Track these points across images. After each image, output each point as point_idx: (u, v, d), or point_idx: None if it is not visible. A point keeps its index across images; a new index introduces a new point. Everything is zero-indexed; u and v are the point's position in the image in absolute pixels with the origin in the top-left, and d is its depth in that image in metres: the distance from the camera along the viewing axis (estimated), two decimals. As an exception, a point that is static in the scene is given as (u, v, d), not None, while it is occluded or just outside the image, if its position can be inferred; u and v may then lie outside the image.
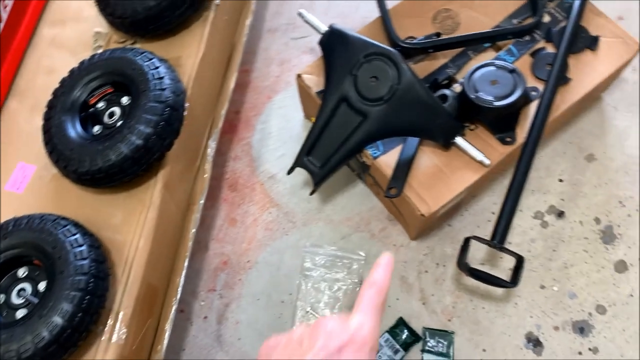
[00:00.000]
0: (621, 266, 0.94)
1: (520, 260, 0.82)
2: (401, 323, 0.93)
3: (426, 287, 0.95)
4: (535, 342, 0.91)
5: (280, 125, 1.09)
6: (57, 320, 0.75)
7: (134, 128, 0.85)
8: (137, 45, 1.02)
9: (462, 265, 0.81)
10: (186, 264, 0.91)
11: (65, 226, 0.83)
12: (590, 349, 0.90)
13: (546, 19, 0.95)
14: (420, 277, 0.96)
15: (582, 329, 0.91)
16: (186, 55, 0.98)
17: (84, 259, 0.80)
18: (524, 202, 0.99)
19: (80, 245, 0.81)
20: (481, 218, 0.99)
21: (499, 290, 0.95)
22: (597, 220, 0.97)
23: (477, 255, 0.97)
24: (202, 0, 0.99)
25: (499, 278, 0.84)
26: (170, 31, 1.00)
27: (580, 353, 0.90)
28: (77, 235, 0.82)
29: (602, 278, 0.94)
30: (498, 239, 0.82)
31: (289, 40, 1.16)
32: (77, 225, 0.84)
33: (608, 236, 0.96)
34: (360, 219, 1.01)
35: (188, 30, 1.00)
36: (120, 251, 0.87)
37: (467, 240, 0.83)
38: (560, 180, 1.00)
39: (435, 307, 0.94)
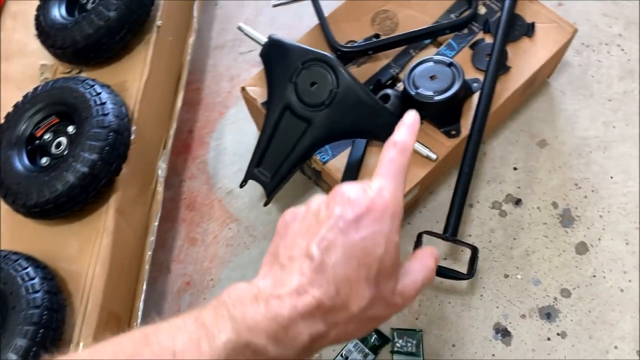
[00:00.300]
0: (582, 248, 0.95)
1: (474, 251, 0.82)
2: (369, 326, 0.92)
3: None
4: (503, 332, 0.91)
5: (235, 140, 1.09)
6: (12, 357, 0.74)
7: (79, 155, 0.85)
8: (83, 74, 1.02)
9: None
10: (144, 287, 0.90)
11: (16, 261, 0.82)
12: (558, 334, 0.90)
13: (482, 10, 0.96)
14: (384, 278, 0.95)
15: (548, 314, 0.91)
16: (131, 79, 0.98)
17: (37, 291, 0.79)
18: (480, 193, 0.99)
19: (32, 279, 0.80)
20: (440, 213, 0.99)
21: (463, 284, 0.94)
22: (555, 205, 0.98)
23: (439, 250, 0.96)
24: (142, 23, 0.99)
25: (454, 270, 0.84)
26: (113, 57, 1.00)
27: (549, 339, 0.90)
28: (29, 269, 0.81)
29: (564, 262, 0.94)
30: (450, 232, 0.82)
31: (237, 55, 1.16)
32: (28, 258, 0.84)
33: (567, 219, 0.97)
34: (321, 226, 1.00)
35: (131, 54, 1.01)
36: (77, 281, 0.86)
37: (419, 236, 0.83)
38: (515, 169, 1.01)
39: (401, 306, 0.94)
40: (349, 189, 0.45)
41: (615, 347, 0.88)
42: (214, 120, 1.11)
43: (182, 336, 0.37)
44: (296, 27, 1.09)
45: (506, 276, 0.94)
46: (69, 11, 1.02)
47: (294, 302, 0.40)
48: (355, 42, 0.96)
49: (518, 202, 0.99)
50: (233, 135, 1.10)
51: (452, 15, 0.97)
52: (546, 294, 0.92)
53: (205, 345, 0.36)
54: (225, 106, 1.12)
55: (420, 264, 0.48)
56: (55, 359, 0.34)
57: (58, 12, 1.00)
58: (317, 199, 0.47)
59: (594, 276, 0.93)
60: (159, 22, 1.01)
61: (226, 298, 0.42)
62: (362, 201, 0.44)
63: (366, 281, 0.42)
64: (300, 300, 0.40)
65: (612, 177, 0.99)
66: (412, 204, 0.99)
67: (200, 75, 1.15)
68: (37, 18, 1.01)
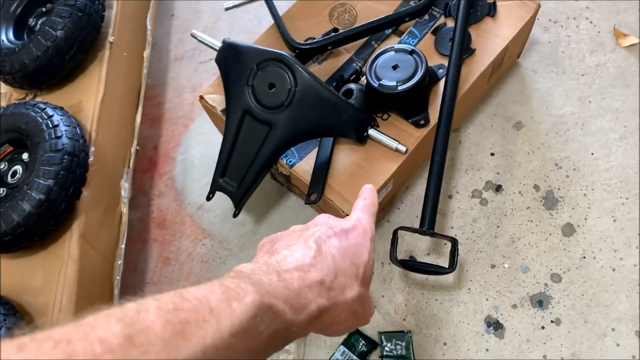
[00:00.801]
0: (568, 229, 0.91)
1: (454, 243, 0.78)
2: (355, 332, 0.89)
3: (375, 289, 0.91)
4: (495, 325, 0.87)
5: (201, 152, 1.05)
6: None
7: (33, 182, 0.81)
8: (38, 98, 0.98)
9: (393, 259, 0.77)
10: (115, 314, 0.85)
11: (-26, 299, 0.78)
12: (552, 321, 0.86)
13: (442, -6, 0.93)
14: (367, 280, 0.91)
15: (540, 301, 0.87)
16: (86, 99, 0.95)
17: (-3, 330, 0.75)
18: (459, 183, 0.96)
19: (-7, 316, 0.76)
20: (418, 208, 0.93)
21: (449, 279, 0.90)
22: (537, 188, 0.94)
23: (422, 245, 0.93)
24: (93, 41, 0.96)
25: (434, 265, 0.80)
26: (67, 77, 0.97)
27: (543, 327, 0.86)
28: (-11, 306, 0.77)
29: (552, 245, 0.90)
30: (427, 225, 0.78)
31: (198, 65, 1.13)
32: (-11, 296, 0.80)
33: (550, 201, 0.93)
34: (298, 233, 0.96)
35: (85, 73, 0.97)
36: (44, 314, 0.82)
37: (395, 233, 0.79)
38: (492, 154, 0.97)
39: (387, 308, 0.90)
40: (330, 217, 0.54)
41: (613, 330, 0.84)
42: (178, 134, 1.07)
43: (213, 297, 0.38)
44: (256, 30, 1.06)
45: (493, 266, 0.90)
46: (17, 35, 0.98)
47: (302, 275, 0.45)
48: (314, 38, 0.93)
49: (498, 188, 0.95)
50: (199, 147, 1.06)
51: (412, 2, 0.93)
52: (536, 280, 0.89)
53: (236, 304, 0.38)
54: (189, 118, 1.08)
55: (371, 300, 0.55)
56: (100, 308, 0.35)
57: (5, 37, 0.97)
58: (297, 226, 0.54)
59: (584, 257, 0.89)
60: (111, 38, 0.98)
61: (243, 269, 0.45)
62: (346, 223, 0.53)
63: (356, 278, 0.49)
64: (307, 275, 0.45)
65: (592, 154, 0.95)
66: (389, 200, 0.95)
67: (161, 89, 1.12)
68: (-16, 45, 0.97)
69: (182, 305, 0.37)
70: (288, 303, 0.42)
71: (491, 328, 0.87)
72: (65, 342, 0.31)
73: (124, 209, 0.91)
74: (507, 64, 0.98)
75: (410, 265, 0.80)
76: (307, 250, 0.47)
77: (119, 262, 0.89)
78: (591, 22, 1.04)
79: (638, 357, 0.82)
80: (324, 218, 0.53)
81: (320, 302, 0.45)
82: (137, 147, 0.98)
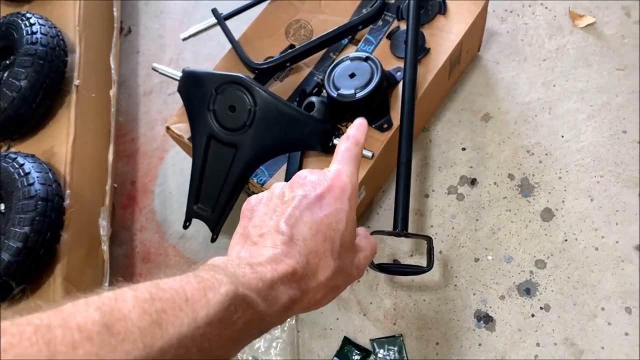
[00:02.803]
0: (547, 214, 0.91)
1: (429, 241, 0.78)
2: (347, 343, 0.88)
3: (362, 297, 0.91)
4: (485, 319, 0.87)
5: (178, 181, 1.06)
6: None
7: (10, 231, 0.82)
8: (12, 149, 1.00)
9: (370, 263, 0.77)
10: (105, 352, 0.86)
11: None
12: (541, 308, 0.86)
13: (392, -1, 0.94)
14: (354, 288, 0.92)
15: (527, 290, 0.87)
16: (58, 144, 0.96)
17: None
18: (434, 181, 0.96)
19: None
20: (397, 211, 0.95)
21: (435, 277, 0.90)
22: (511, 177, 0.94)
23: (404, 247, 0.93)
24: (58, 86, 0.98)
25: (413, 266, 0.80)
26: (38, 124, 0.98)
27: (533, 315, 0.85)
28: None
29: (533, 232, 0.90)
30: (400, 227, 0.78)
31: (166, 97, 1.14)
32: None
33: (526, 188, 0.93)
34: (281, 250, 0.97)
35: (54, 118, 0.98)
36: (35, 361, 0.82)
37: (369, 238, 0.79)
38: (464, 149, 0.98)
39: (377, 314, 0.90)
40: (310, 173, 0.53)
41: (602, 309, 0.84)
42: (154, 166, 1.08)
43: (189, 287, 0.39)
44: (219, 55, 1.06)
45: (476, 260, 0.90)
46: (-15, 89, 1.00)
47: (274, 267, 0.45)
48: (272, 57, 0.94)
49: (473, 182, 0.95)
50: (176, 177, 1.07)
51: (364, 10, 0.95)
52: (521, 269, 0.88)
53: (211, 294, 0.39)
54: (164, 150, 1.09)
55: (366, 241, 0.56)
56: (77, 296, 0.36)
57: (-26, 93, 0.99)
58: (279, 184, 0.53)
59: (566, 240, 0.89)
60: (77, 82, 1.00)
61: (217, 262, 0.45)
62: (323, 182, 0.51)
63: (331, 253, 0.49)
64: (279, 267, 0.45)
65: (562, 136, 0.96)
66: (367, 206, 0.96)
67: (134, 125, 1.13)
68: (-46, 103, 0.99)
69: (159, 295, 0.37)
70: (261, 295, 0.43)
71: (481, 322, 0.86)
72: (45, 328, 0.32)
73: (104, 247, 0.92)
74: (467, 58, 0.99)
75: (388, 268, 0.81)
76: (278, 237, 0.47)
77: (104, 301, 0.89)
78: (546, 8, 1.06)
79: (631, 334, 0.81)
80: (303, 175, 0.53)
81: (292, 293, 0.45)
82: (115, 185, 0.99)
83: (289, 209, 0.49)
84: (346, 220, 0.50)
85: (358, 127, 0.59)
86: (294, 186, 0.51)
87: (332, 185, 0.51)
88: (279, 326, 0.90)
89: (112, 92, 1.03)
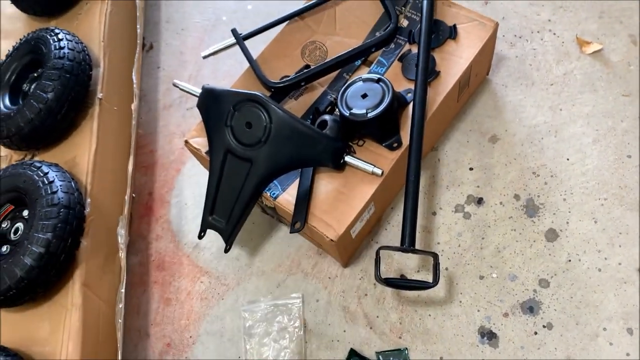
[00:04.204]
0: (552, 235, 0.93)
1: (435, 258, 0.81)
2: (353, 355, 0.91)
3: (369, 310, 0.93)
4: (489, 335, 0.89)
5: (194, 193, 1.10)
6: None
7: (33, 237, 0.85)
8: (37, 158, 1.04)
9: (378, 277, 0.80)
10: (119, 356, 0.89)
11: (-16, 355, 0.82)
12: (544, 326, 0.87)
13: (405, 23, 0.98)
14: (361, 302, 0.94)
15: (531, 308, 0.89)
16: (80, 154, 1.00)
17: (7, 381, 0.79)
18: (441, 199, 0.99)
19: (2, 369, 0.80)
20: (404, 227, 0.98)
21: (440, 293, 0.93)
22: (517, 197, 0.97)
23: (411, 264, 0.95)
24: (83, 99, 1.02)
25: (419, 281, 0.83)
26: (62, 135, 1.02)
27: (536, 333, 0.87)
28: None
29: (537, 252, 0.92)
30: (407, 242, 0.81)
31: (185, 111, 1.18)
32: (-2, 349, 0.83)
33: (531, 209, 0.96)
34: (291, 262, 1.00)
35: (78, 129, 1.03)
36: (52, 362, 0.86)
37: (377, 253, 0.82)
38: (471, 169, 1.01)
39: (383, 327, 0.92)
40: None
41: (604, 329, 0.86)
42: (171, 178, 1.12)
43: None
44: (238, 73, 1.11)
45: (481, 277, 0.93)
46: (13, 100, 1.05)
47: None
48: (288, 76, 0.98)
49: (480, 201, 0.98)
50: (192, 189, 1.10)
51: (377, 33, 0.98)
52: (525, 287, 0.91)
53: None
54: (181, 162, 1.13)
55: None
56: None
57: (2, 103, 1.03)
58: None
59: (569, 261, 0.91)
60: (100, 95, 1.04)
61: None
62: None
63: None
64: None
65: (568, 159, 0.98)
66: (375, 222, 0.98)
67: (152, 137, 1.17)
68: (-17, 113, 1.04)
69: None
70: None
71: (485, 338, 0.89)
72: None
73: (122, 255, 0.95)
74: (476, 81, 1.02)
75: (395, 283, 0.83)
76: None
77: (120, 306, 0.92)
78: (554, 34, 1.09)
79: (632, 355, 0.83)
80: None
81: None
82: (133, 195, 1.03)
83: None
84: None
85: None
86: None
87: None
88: (288, 336, 0.93)
89: (134, 105, 1.08)
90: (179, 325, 0.99)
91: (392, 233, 0.99)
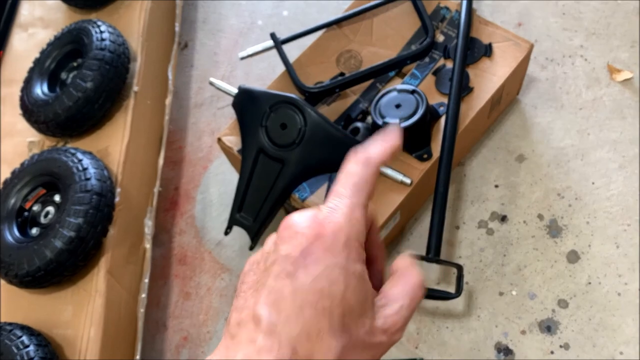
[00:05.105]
0: (573, 256, 0.94)
1: (459, 269, 0.82)
2: (369, 360, 0.91)
3: (387, 318, 0.94)
4: (505, 351, 0.89)
5: (220, 191, 1.11)
6: None
7: (65, 221, 0.87)
8: (69, 145, 1.06)
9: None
10: (139, 346, 0.90)
11: (10, 331, 0.83)
12: (561, 346, 0.88)
13: (441, 38, 1.00)
14: (380, 309, 0.95)
15: (549, 327, 0.90)
16: (113, 144, 1.02)
17: (31, 358, 0.80)
18: (465, 214, 1.00)
19: (26, 347, 0.81)
20: (427, 239, 0.99)
21: (459, 307, 0.93)
22: (541, 217, 0.98)
23: (432, 275, 0.96)
24: (119, 91, 1.04)
25: (442, 291, 0.84)
26: (95, 125, 1.05)
27: (552, 352, 0.88)
28: (23, 337, 0.82)
29: (557, 272, 0.93)
30: (433, 252, 0.82)
31: (216, 110, 1.20)
32: (23, 328, 0.85)
33: (554, 230, 0.97)
34: (312, 265, 1.01)
35: (112, 120, 1.05)
36: (73, 345, 0.87)
37: (402, 260, 0.83)
38: (496, 186, 1.02)
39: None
40: (297, 217, 0.38)
41: (621, 353, 0.86)
42: (198, 175, 1.14)
43: None
44: (270, 77, 1.14)
45: (501, 294, 0.93)
46: (50, 87, 1.07)
47: None
48: (322, 82, 1.00)
49: (504, 218, 0.99)
50: (217, 186, 1.12)
51: (413, 47, 1.00)
52: (544, 306, 0.91)
53: None
54: (208, 160, 1.15)
55: (403, 285, 0.39)
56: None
57: (40, 90, 1.06)
58: (271, 238, 0.40)
59: (589, 283, 0.92)
60: (135, 88, 1.06)
61: None
62: (310, 230, 0.36)
63: (330, 330, 0.34)
64: None
65: (593, 183, 0.99)
66: (398, 232, 1.00)
67: (182, 134, 1.19)
68: (21, 98, 1.06)
69: None
70: None
71: (501, 354, 0.89)
72: None
73: (148, 246, 0.97)
74: (506, 100, 1.04)
75: (418, 291, 0.84)
76: (255, 327, 0.35)
77: (143, 296, 0.94)
78: (586, 60, 1.10)
79: (648, 381, 0.83)
80: (290, 223, 0.38)
81: None
82: (160, 188, 1.04)
83: (269, 280, 0.36)
84: (345, 278, 0.36)
85: (381, 139, 0.41)
86: (279, 240, 0.37)
87: (319, 233, 0.36)
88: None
89: (168, 101, 1.10)
90: (197, 320, 1.00)
91: (414, 244, 1.00)
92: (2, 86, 1.18)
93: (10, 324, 0.86)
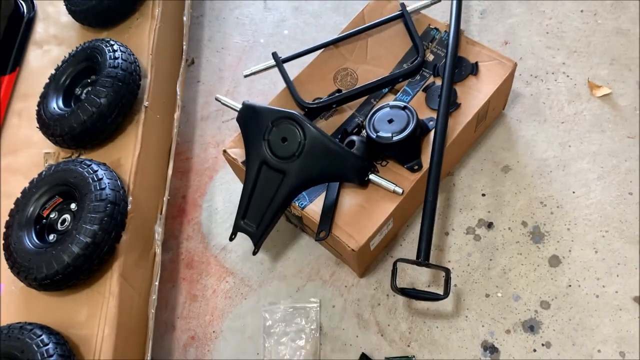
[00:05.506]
0: (554, 261, 1.01)
1: (447, 272, 0.89)
2: (364, 358, 0.98)
3: (381, 319, 1.01)
4: (491, 349, 0.96)
5: (225, 199, 1.18)
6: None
7: (81, 228, 0.94)
8: (83, 156, 1.13)
9: (394, 287, 0.87)
10: (150, 345, 0.97)
11: (30, 330, 0.90)
12: (543, 344, 0.94)
13: (431, 57, 1.07)
14: (374, 310, 1.01)
15: (531, 327, 0.96)
16: (125, 156, 1.09)
17: (51, 355, 0.86)
18: (454, 221, 1.07)
19: (46, 345, 0.88)
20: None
21: (448, 308, 1.00)
22: (524, 224, 1.05)
23: (422, 278, 1.03)
24: (131, 106, 1.11)
25: (431, 292, 0.90)
26: (108, 138, 1.11)
27: (535, 350, 0.94)
28: (43, 336, 0.89)
29: (540, 275, 1.00)
30: (422, 257, 0.89)
31: (221, 123, 1.28)
32: (42, 327, 0.91)
33: (537, 236, 1.03)
34: (311, 269, 1.08)
35: (123, 133, 1.12)
36: (88, 344, 0.93)
37: (394, 264, 0.90)
38: (483, 195, 1.09)
39: (393, 336, 0.99)
40: None
41: (599, 351, 0.92)
42: (204, 184, 1.21)
43: None
44: (271, 92, 1.21)
45: (487, 295, 1.00)
46: (65, 102, 1.14)
47: None
48: (321, 99, 1.07)
49: (490, 225, 1.06)
50: (222, 195, 1.19)
51: (405, 65, 1.07)
52: (527, 307, 0.98)
53: None
54: (214, 170, 1.22)
55: None
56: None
57: (56, 104, 1.13)
58: None
59: (570, 286, 0.98)
60: (146, 103, 1.13)
61: None
62: None
63: None
64: None
65: (574, 192, 1.06)
66: (392, 238, 1.06)
67: (189, 146, 1.26)
68: (38, 112, 1.13)
69: None
70: None
71: (487, 352, 0.96)
72: None
73: (158, 250, 1.03)
74: (492, 115, 1.11)
75: (409, 293, 0.91)
76: None
77: (154, 297, 1.00)
78: (568, 76, 1.17)
79: (623, 376, 0.90)
80: None
81: None
82: (168, 197, 1.11)
83: None
84: None
85: None
86: None
87: None
88: (304, 337, 1.00)
89: (177, 115, 1.17)
90: (203, 321, 1.06)
91: (406, 249, 1.07)
92: (18, 100, 1.25)
93: (30, 323, 0.92)
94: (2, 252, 0.99)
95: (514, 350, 0.95)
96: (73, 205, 1.01)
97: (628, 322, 0.93)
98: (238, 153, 1.04)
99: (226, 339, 1.04)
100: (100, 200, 0.96)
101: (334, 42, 1.11)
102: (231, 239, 0.99)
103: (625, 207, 1.03)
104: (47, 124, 1.10)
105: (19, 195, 1.05)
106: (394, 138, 0.94)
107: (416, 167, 0.96)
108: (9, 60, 1.29)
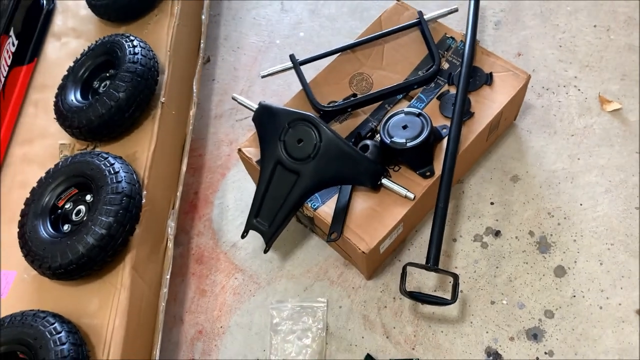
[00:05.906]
0: (560, 271, 1.02)
1: (455, 278, 0.90)
2: (369, 359, 0.99)
3: (387, 321, 1.02)
4: (495, 356, 0.97)
5: (236, 197, 1.20)
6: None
7: (97, 219, 0.95)
8: (98, 149, 1.14)
9: (403, 290, 0.89)
10: (159, 337, 0.98)
11: (44, 318, 0.91)
12: (546, 353, 0.96)
13: (446, 66, 1.09)
14: (381, 313, 1.03)
15: (535, 335, 0.98)
16: (140, 150, 1.10)
17: (63, 343, 0.88)
18: (462, 228, 1.08)
19: (59, 333, 0.89)
20: (426, 250, 1.07)
21: (454, 313, 1.02)
22: (531, 234, 1.06)
23: (429, 283, 1.05)
24: (148, 101, 1.13)
25: (438, 297, 0.92)
26: (124, 132, 1.13)
27: (537, 358, 0.96)
28: (56, 324, 0.90)
29: (545, 285, 1.02)
30: (432, 262, 0.90)
31: (235, 122, 1.29)
32: (55, 315, 0.93)
33: (543, 246, 1.05)
34: (319, 269, 1.09)
35: (140, 128, 1.13)
36: (99, 334, 0.95)
37: (404, 268, 0.91)
38: (492, 203, 1.10)
39: (398, 338, 1.01)
40: None
41: (600, 361, 0.94)
42: (216, 181, 1.23)
43: None
44: (285, 93, 1.22)
45: (492, 302, 1.02)
46: (83, 95, 1.16)
47: None
48: (336, 102, 1.08)
49: (497, 233, 1.07)
50: (234, 193, 1.21)
51: (420, 72, 1.09)
52: (531, 316, 0.99)
53: None
54: (226, 168, 1.24)
55: None
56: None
57: (74, 97, 1.14)
58: None
59: (574, 296, 1.00)
60: (162, 99, 1.15)
61: None
62: None
63: None
64: None
65: (581, 204, 1.08)
66: (400, 242, 1.08)
67: (202, 143, 1.28)
68: (55, 103, 1.15)
69: None
70: None
71: (491, 358, 0.97)
72: None
73: (170, 245, 1.05)
74: (504, 125, 1.13)
75: (417, 296, 0.92)
76: None
77: (165, 290, 1.02)
78: (579, 90, 1.19)
79: (623, 387, 0.91)
80: None
81: None
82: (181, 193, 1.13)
83: None
84: None
85: None
86: None
87: None
88: (310, 336, 1.02)
89: (192, 112, 1.18)
90: (211, 315, 1.08)
91: (414, 253, 1.08)
92: (35, 91, 1.26)
93: (43, 311, 0.93)
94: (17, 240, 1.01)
95: (517, 357, 0.96)
96: (88, 197, 1.03)
97: (630, 334, 0.95)
98: (253, 152, 1.06)
99: (233, 334, 1.06)
100: (116, 192, 0.98)
101: (351, 47, 1.12)
102: (243, 236, 1.01)
103: (631, 221, 1.04)
104: (65, 115, 1.11)
105: (33, 184, 1.06)
106: (408, 144, 0.95)
107: (428, 174, 0.98)
108: (28, 51, 1.31)
